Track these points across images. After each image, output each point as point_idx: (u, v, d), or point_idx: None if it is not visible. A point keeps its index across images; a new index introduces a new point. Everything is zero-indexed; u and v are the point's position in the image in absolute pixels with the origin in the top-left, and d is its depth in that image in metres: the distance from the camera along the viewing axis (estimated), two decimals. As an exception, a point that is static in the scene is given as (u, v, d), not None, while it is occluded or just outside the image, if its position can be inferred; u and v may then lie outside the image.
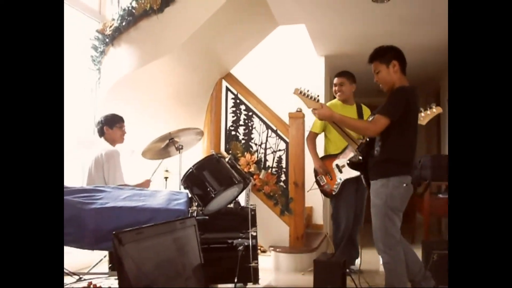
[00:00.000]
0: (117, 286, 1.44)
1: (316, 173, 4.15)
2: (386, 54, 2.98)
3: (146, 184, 3.86)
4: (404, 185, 2.85)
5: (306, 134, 4.44)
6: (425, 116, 3.55)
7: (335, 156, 4.08)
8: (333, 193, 4.03)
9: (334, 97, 4.34)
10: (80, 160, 3.86)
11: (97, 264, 3.76)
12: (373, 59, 3.02)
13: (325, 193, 4.14)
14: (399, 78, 2.96)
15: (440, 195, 5.35)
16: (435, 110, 3.57)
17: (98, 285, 1.99)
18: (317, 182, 4.16)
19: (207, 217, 3.20)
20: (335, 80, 4.25)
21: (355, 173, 3.71)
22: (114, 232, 1.30)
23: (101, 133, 3.82)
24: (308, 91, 3.09)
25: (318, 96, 3.10)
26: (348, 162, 3.38)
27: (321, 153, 4.22)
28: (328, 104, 4.29)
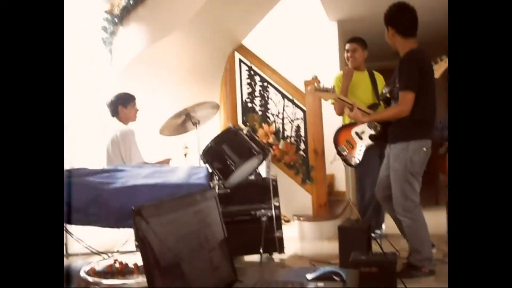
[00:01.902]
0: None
1: (336, 143, 4.06)
2: (385, 17, 2.93)
3: (166, 162, 3.86)
4: (424, 149, 2.83)
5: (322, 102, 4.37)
6: (437, 69, 3.45)
7: (353, 124, 3.99)
8: (356, 162, 3.95)
9: (346, 64, 4.25)
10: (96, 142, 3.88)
11: (124, 243, 3.81)
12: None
13: (348, 162, 4.05)
14: (401, 42, 2.88)
15: (463, 155, 5.26)
16: (446, 62, 3.47)
17: (124, 262, 2.02)
18: (339, 152, 4.07)
19: (228, 191, 3.21)
20: (348, 46, 4.15)
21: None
22: (133, 208, 1.30)
23: (115, 112, 3.81)
24: (323, 86, 3.27)
25: (334, 87, 3.29)
26: (370, 135, 3.37)
27: (339, 123, 4.13)
28: (339, 73, 4.21)
